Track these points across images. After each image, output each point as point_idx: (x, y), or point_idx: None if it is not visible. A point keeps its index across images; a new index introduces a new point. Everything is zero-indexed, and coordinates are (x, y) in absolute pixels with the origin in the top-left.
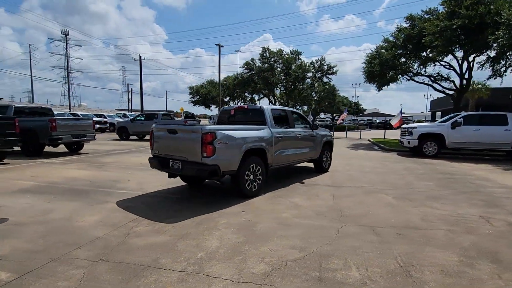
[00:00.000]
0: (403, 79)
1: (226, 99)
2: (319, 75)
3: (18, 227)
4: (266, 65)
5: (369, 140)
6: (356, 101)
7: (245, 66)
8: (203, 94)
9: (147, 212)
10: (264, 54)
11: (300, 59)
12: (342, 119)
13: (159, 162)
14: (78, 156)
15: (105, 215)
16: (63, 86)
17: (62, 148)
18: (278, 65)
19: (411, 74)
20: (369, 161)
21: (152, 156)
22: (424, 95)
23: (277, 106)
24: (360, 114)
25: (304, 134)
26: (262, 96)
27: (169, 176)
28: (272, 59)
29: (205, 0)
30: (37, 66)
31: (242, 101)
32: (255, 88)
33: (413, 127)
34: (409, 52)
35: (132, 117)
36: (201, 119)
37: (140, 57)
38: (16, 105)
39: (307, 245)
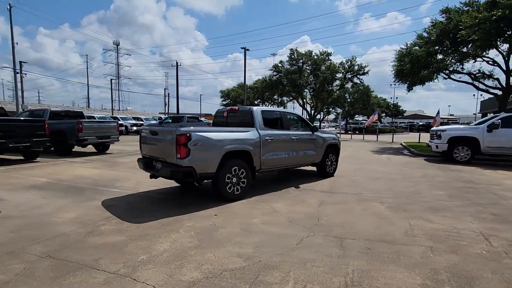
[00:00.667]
0: (440, 77)
1: (256, 102)
2: (350, 76)
3: (2, 220)
4: (294, 67)
5: (401, 144)
6: (395, 102)
7: (273, 69)
8: (234, 97)
9: (123, 212)
10: (292, 56)
11: (330, 60)
12: (371, 122)
13: (144, 163)
14: (101, 156)
15: (84, 212)
16: (114, 92)
17: (91, 148)
18: (307, 67)
19: (448, 72)
20: (386, 167)
21: (141, 157)
22: (474, 95)
23: (271, 108)
24: (400, 116)
25: (302, 136)
26: (291, 98)
27: (151, 177)
28: (301, 61)
29: (243, 6)
30: (93, 74)
31: (271, 103)
32: (283, 90)
33: (442, 130)
34: (446, 49)
35: (160, 120)
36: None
37: (177, 63)
38: (51, 109)
39: (257, 254)
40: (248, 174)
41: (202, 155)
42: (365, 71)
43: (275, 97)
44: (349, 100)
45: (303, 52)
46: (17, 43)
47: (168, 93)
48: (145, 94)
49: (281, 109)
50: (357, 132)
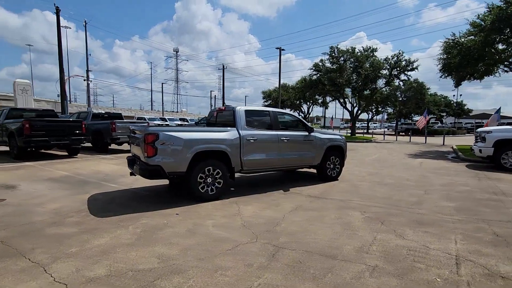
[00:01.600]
0: (500, 71)
1: (297, 102)
2: (396, 73)
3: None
4: (335, 65)
5: (452, 147)
6: (458, 100)
7: (314, 68)
8: (275, 98)
9: (99, 206)
10: (333, 54)
11: (375, 56)
12: (423, 124)
13: (128, 161)
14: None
15: (66, 204)
16: (172, 96)
17: (126, 146)
18: (350, 64)
19: (508, 63)
20: (408, 172)
21: (130, 155)
22: None
23: (259, 107)
24: (464, 116)
25: (295, 137)
26: (333, 98)
27: (130, 174)
28: (342, 58)
29: (295, 7)
30: (157, 79)
31: (313, 104)
32: (323, 90)
33: (488, 131)
34: (506, 37)
35: (196, 121)
36: None
37: (223, 66)
38: (93, 111)
39: (179, 257)
40: (225, 174)
41: (171, 155)
42: (414, 66)
43: (317, 96)
44: (400, 99)
45: (345, 49)
46: (90, 54)
47: (215, 95)
48: (201, 97)
49: (271, 109)
50: (410, 133)
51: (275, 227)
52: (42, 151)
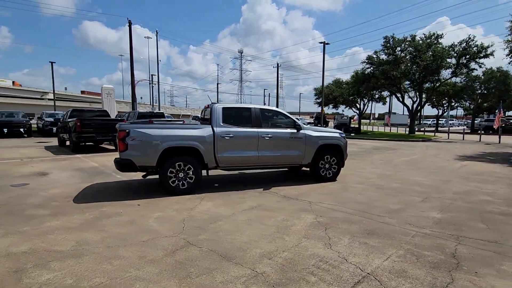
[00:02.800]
0: None
1: (350, 98)
2: (464, 61)
3: (19, 188)
4: (391, 56)
5: None
6: None
7: (367, 61)
8: (326, 95)
9: (88, 193)
10: (388, 44)
11: (439, 44)
12: (498, 123)
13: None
14: None
15: (66, 191)
16: (237, 95)
17: None
18: (410, 54)
19: None
20: (432, 176)
21: None
22: None
23: (239, 104)
24: None
25: (278, 134)
26: (389, 93)
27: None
28: (398, 49)
29: None
30: (224, 79)
31: (369, 99)
32: (376, 84)
33: None
34: None
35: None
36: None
37: (277, 64)
38: (140, 110)
39: (76, 245)
40: (197, 170)
41: (140, 150)
42: (488, 52)
43: (373, 91)
44: (479, 91)
45: (402, 38)
46: (160, 60)
47: (269, 93)
48: (265, 96)
49: (254, 105)
50: (480, 132)
51: (211, 224)
52: (101, 145)
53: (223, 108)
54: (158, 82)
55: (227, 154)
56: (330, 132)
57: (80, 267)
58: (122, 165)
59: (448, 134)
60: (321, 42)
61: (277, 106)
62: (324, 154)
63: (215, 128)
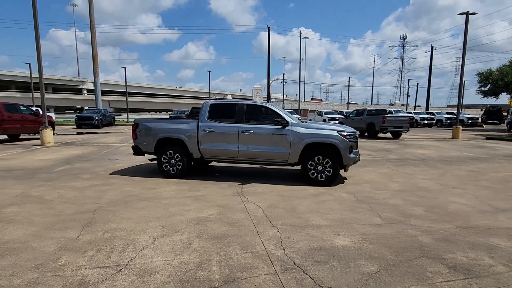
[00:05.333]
0: None
1: None
2: None
3: (109, 161)
4: None
5: None
6: None
7: None
8: (494, 81)
9: (122, 170)
10: None
11: None
12: None
13: None
14: None
15: (116, 166)
16: (396, 88)
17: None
18: None
19: None
20: (454, 182)
21: None
22: None
23: (227, 101)
24: None
25: (261, 130)
26: None
27: None
28: None
29: None
30: (385, 72)
31: None
32: None
33: None
34: None
35: (347, 114)
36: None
37: (432, 48)
38: (368, 108)
39: (45, 209)
40: (184, 159)
41: (144, 139)
42: None
43: None
44: None
45: None
46: (302, 59)
47: (417, 83)
48: (438, 87)
49: (241, 101)
50: None
51: (140, 200)
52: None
53: (211, 105)
54: (299, 79)
55: (209, 146)
56: (325, 129)
57: (10, 214)
58: (134, 149)
59: None
60: None
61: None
62: (313, 154)
63: (200, 123)
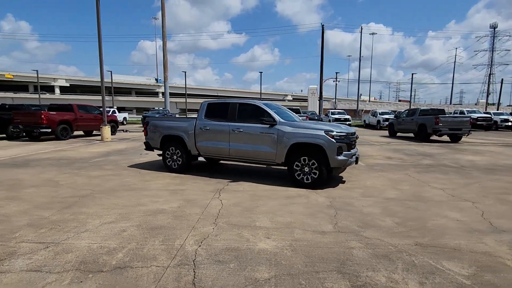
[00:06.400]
0: None
1: None
2: None
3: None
4: None
5: None
6: None
7: None
8: None
9: (143, 164)
10: None
11: None
12: None
13: None
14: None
15: (144, 160)
16: (482, 85)
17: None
18: None
19: None
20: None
21: None
22: None
23: (223, 100)
24: None
25: (249, 129)
26: None
27: None
28: None
29: None
30: (464, 66)
31: None
32: None
33: None
34: None
35: (397, 114)
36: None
37: None
38: (421, 107)
39: (55, 194)
40: (183, 155)
41: (152, 135)
42: None
43: None
44: None
45: None
46: (362, 56)
47: (502, 79)
48: None
49: (234, 101)
50: None
51: (127, 190)
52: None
53: (208, 104)
54: (358, 78)
55: (204, 144)
56: (312, 128)
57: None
58: (146, 145)
59: None
60: None
61: None
62: (299, 155)
63: (197, 121)
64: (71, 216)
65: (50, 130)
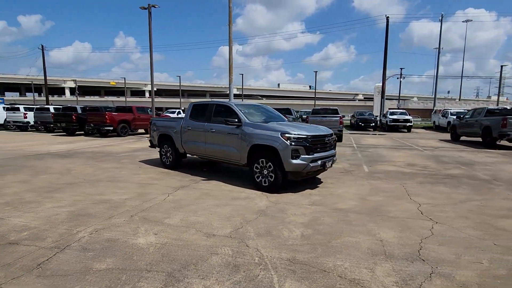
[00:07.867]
0: None
1: None
2: None
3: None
4: None
5: None
6: None
7: None
8: None
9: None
10: None
11: None
12: None
13: None
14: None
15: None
16: None
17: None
18: None
19: None
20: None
21: None
22: None
23: (207, 100)
24: None
25: (219, 129)
26: None
27: None
28: None
29: None
30: None
31: None
32: None
33: None
34: None
35: (461, 115)
36: None
37: None
38: (488, 107)
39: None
40: (173, 153)
41: (153, 134)
42: None
43: None
44: None
45: None
46: (442, 48)
47: None
48: None
49: (213, 101)
50: None
51: (109, 181)
52: None
53: (194, 105)
54: (437, 75)
55: (188, 143)
56: (270, 130)
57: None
58: (150, 143)
59: None
60: None
61: None
62: (258, 157)
63: (183, 121)
64: (41, 199)
65: (112, 128)
